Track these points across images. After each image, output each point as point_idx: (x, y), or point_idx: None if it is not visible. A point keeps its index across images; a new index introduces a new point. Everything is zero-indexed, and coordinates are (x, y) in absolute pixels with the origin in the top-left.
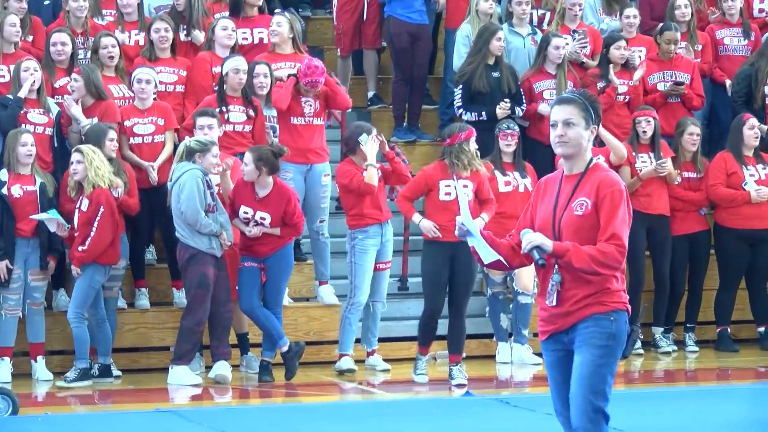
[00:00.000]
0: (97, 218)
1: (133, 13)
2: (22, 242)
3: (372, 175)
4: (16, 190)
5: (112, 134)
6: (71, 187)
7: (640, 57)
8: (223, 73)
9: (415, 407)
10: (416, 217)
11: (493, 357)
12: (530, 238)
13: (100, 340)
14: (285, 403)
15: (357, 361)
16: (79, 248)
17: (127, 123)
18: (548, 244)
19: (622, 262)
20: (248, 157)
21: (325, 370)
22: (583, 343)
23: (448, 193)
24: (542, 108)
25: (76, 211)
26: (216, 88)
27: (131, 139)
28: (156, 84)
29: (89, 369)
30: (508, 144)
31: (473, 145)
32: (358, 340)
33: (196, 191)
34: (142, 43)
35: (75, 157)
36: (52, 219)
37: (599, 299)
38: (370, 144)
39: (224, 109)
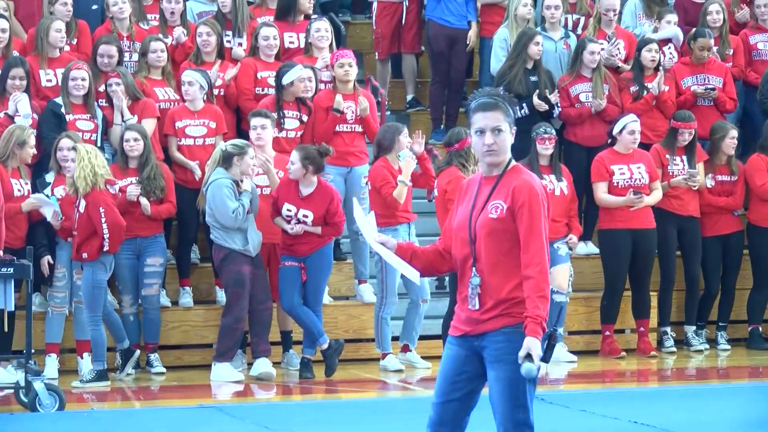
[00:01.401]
0: (103, 221)
1: (176, 19)
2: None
3: (402, 193)
4: (59, 191)
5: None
6: (68, 185)
7: (671, 58)
8: (285, 82)
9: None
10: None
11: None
12: (522, 355)
13: (112, 328)
14: (325, 400)
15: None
16: (84, 255)
17: (178, 124)
18: (534, 345)
19: (547, 277)
20: (295, 155)
21: (364, 367)
22: (495, 359)
23: None
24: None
25: (75, 210)
26: (253, 94)
27: (182, 140)
28: (201, 86)
29: (106, 370)
30: (545, 147)
31: None
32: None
33: (225, 199)
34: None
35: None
36: (50, 205)
37: (509, 310)
38: (407, 161)
39: (281, 114)
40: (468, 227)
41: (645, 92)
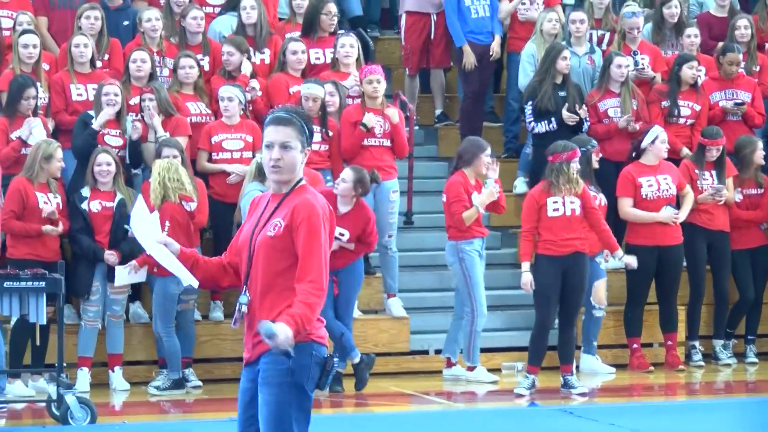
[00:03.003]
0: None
1: (198, 35)
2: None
3: (471, 217)
4: (95, 206)
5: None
6: (152, 199)
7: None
8: (301, 96)
9: (480, 417)
10: (525, 266)
11: (558, 368)
12: (273, 338)
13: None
14: (356, 413)
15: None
16: (155, 269)
17: (215, 139)
18: (288, 335)
19: (322, 300)
20: (348, 175)
21: (393, 381)
22: (262, 381)
23: (556, 209)
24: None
25: None
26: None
27: (219, 154)
28: (240, 101)
29: (181, 379)
30: (596, 160)
31: (575, 167)
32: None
33: None
34: (207, 68)
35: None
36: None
37: None
38: (490, 191)
39: None
40: (249, 244)
41: (677, 110)
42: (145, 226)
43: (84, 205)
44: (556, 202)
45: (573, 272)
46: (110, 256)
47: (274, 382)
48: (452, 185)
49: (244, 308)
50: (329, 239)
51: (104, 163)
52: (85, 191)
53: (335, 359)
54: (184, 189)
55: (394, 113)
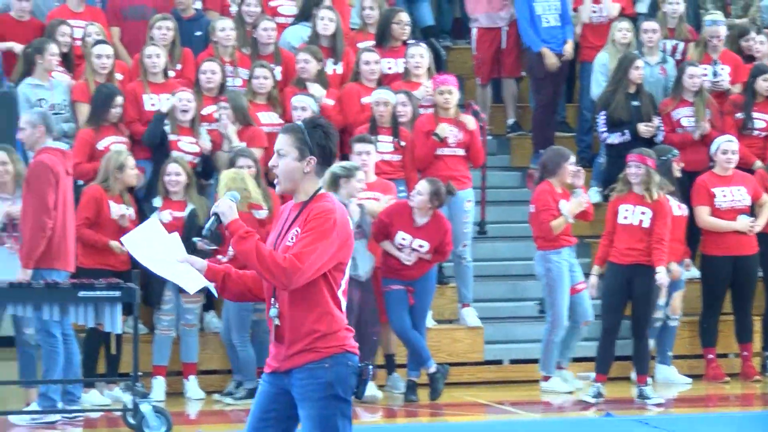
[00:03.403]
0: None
1: (270, 46)
2: None
3: (560, 226)
4: (166, 216)
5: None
6: None
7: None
8: (372, 102)
9: (555, 427)
10: (594, 269)
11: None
12: (218, 204)
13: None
14: (430, 423)
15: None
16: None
17: None
18: (230, 215)
19: (289, 279)
20: (424, 187)
21: (468, 390)
22: (303, 397)
23: (626, 217)
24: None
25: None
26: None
27: None
28: (313, 111)
29: (256, 389)
30: (677, 169)
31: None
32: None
33: None
34: (279, 77)
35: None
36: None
37: (313, 345)
38: (579, 201)
39: (374, 139)
40: None
41: (750, 122)
42: (157, 245)
43: (154, 215)
44: (627, 210)
45: (637, 283)
46: None
47: (315, 397)
48: (540, 195)
49: (276, 321)
50: (342, 250)
51: (173, 173)
52: (157, 201)
53: (370, 367)
54: (251, 197)
55: (469, 121)
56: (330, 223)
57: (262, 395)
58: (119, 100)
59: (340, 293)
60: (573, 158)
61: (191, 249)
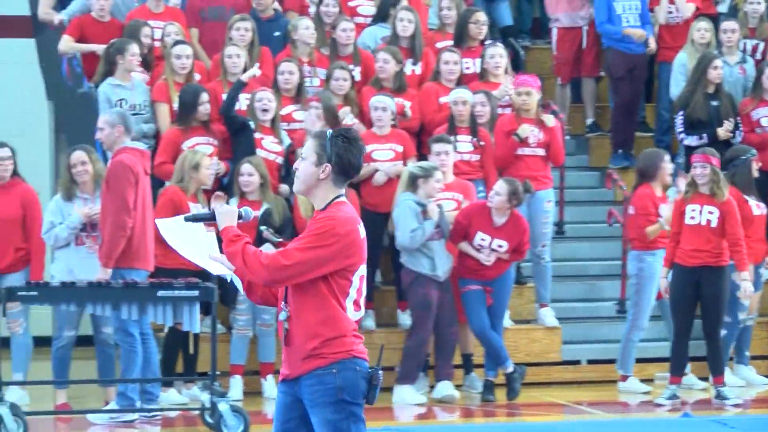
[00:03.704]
0: None
1: (349, 47)
2: None
3: (655, 232)
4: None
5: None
6: (302, 211)
7: None
8: (451, 101)
9: (633, 427)
10: (663, 272)
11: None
12: (221, 206)
13: None
14: (508, 423)
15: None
16: None
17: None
18: (225, 222)
19: (270, 274)
20: (502, 187)
21: (545, 391)
22: (313, 403)
23: (693, 217)
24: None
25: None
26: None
27: (369, 165)
28: (392, 111)
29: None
30: (756, 168)
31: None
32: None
33: (406, 219)
34: (358, 78)
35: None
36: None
37: (319, 351)
38: (671, 208)
39: (453, 139)
40: None
41: None
42: (191, 236)
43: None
44: (694, 210)
45: (705, 285)
46: None
47: (326, 402)
48: (640, 198)
49: (287, 325)
50: (342, 259)
51: (246, 174)
52: (233, 202)
53: (380, 372)
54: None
55: (549, 119)
56: (327, 228)
57: (279, 405)
58: (205, 97)
59: (349, 301)
60: (668, 156)
61: (258, 239)
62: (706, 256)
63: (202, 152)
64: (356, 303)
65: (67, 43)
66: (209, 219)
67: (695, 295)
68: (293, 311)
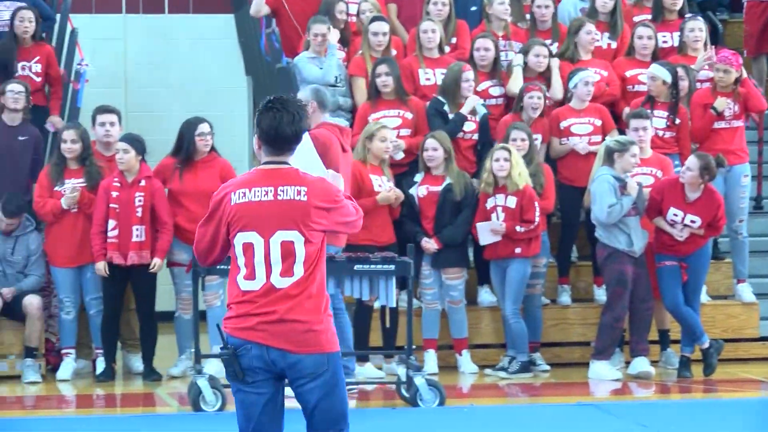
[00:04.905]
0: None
1: (547, 22)
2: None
3: None
4: (422, 191)
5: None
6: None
7: None
8: (648, 79)
9: None
10: None
11: None
12: None
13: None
14: (704, 399)
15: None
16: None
17: (563, 124)
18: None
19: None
20: (693, 162)
21: (742, 367)
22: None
23: None
24: None
25: (500, 207)
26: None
27: (569, 139)
28: (590, 87)
29: (530, 362)
30: None
31: None
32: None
33: (604, 194)
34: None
35: (502, 154)
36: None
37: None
38: None
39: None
40: None
41: None
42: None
43: (412, 190)
44: None
45: None
46: (427, 243)
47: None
48: None
49: None
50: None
51: (431, 148)
52: (418, 176)
53: (240, 350)
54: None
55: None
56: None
57: None
58: (382, 68)
59: (240, 263)
60: None
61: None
62: None
63: (382, 124)
64: (247, 264)
65: (259, 5)
66: None
67: None
68: None
